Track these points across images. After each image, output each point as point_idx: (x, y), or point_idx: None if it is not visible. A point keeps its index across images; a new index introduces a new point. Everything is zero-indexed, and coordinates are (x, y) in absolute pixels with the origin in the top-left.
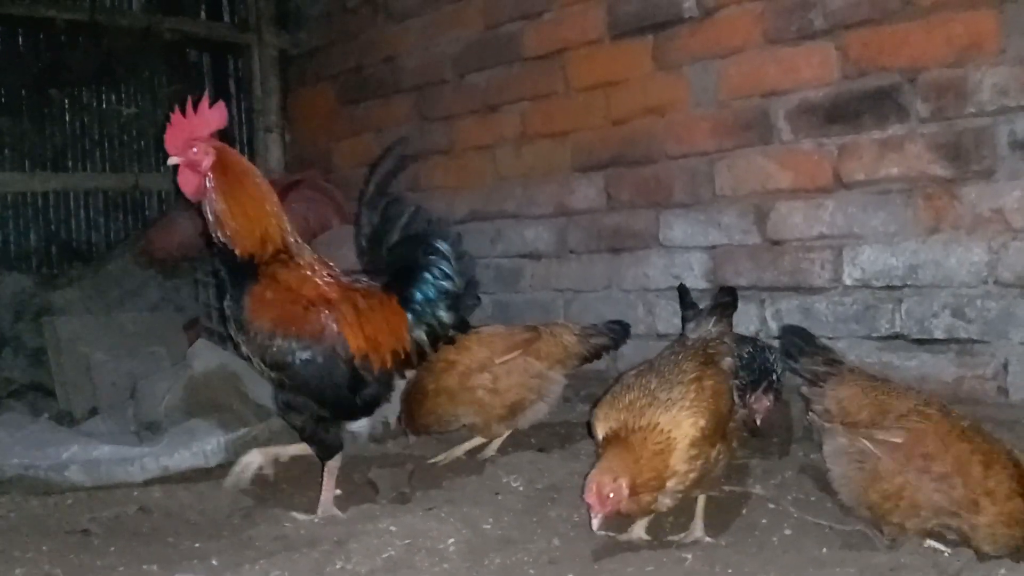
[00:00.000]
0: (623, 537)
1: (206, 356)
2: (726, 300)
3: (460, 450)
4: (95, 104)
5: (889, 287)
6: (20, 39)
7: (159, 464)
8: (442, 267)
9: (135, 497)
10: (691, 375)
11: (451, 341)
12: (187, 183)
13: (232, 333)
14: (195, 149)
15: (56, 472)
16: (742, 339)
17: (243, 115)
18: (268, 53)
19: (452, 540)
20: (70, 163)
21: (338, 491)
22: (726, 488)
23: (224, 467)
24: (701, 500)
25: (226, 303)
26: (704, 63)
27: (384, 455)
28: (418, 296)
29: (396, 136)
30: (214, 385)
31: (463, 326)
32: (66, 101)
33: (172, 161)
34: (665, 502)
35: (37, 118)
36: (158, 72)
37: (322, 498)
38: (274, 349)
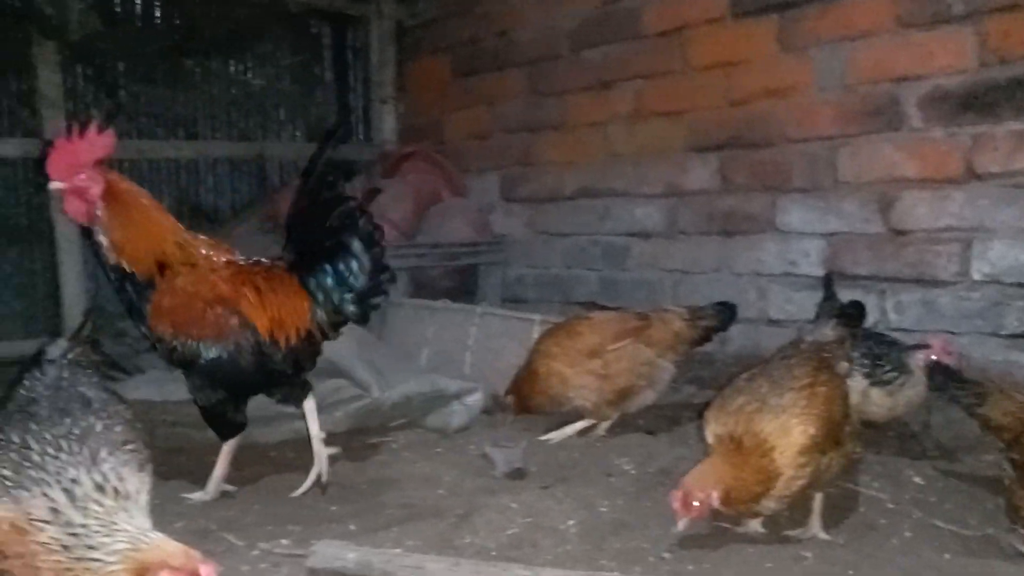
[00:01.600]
0: (740, 529)
1: None
2: (851, 312)
3: (571, 429)
4: (224, 74)
5: (1020, 284)
6: (157, 9)
7: (292, 427)
8: (349, 263)
9: (271, 457)
10: (803, 381)
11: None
12: (75, 210)
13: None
14: (82, 175)
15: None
16: (867, 335)
17: (359, 86)
18: (385, 24)
19: (571, 521)
20: (200, 131)
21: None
22: (842, 485)
23: (350, 434)
24: (819, 498)
25: (132, 317)
26: (831, 46)
27: (496, 430)
28: (318, 283)
29: (509, 109)
30: (339, 353)
31: (365, 318)
32: (198, 71)
33: (55, 186)
34: (770, 506)
35: (171, 87)
36: (282, 43)
37: (215, 474)
38: (180, 352)
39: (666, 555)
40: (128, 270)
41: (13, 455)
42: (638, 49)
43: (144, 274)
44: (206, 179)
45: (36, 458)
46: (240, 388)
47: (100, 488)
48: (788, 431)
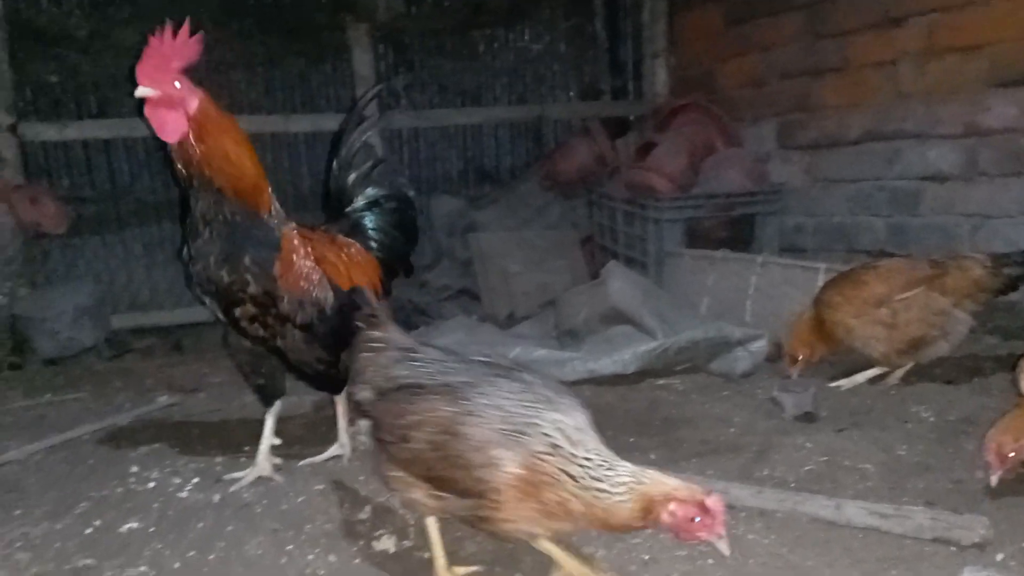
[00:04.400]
0: None
1: (620, 275)
2: None
3: (862, 377)
4: (506, 42)
5: None
6: None
7: (586, 367)
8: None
9: None
10: None
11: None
12: (163, 122)
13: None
14: (177, 84)
15: None
16: None
17: (631, 42)
18: None
19: (869, 462)
20: (484, 98)
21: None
22: None
23: (637, 375)
24: None
25: (246, 260)
26: None
27: (782, 376)
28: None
29: (785, 54)
30: (627, 301)
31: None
32: (483, 42)
33: (145, 93)
34: None
35: (460, 58)
36: (558, 7)
37: (339, 424)
38: (310, 302)
39: None
40: (227, 194)
41: (494, 411)
42: None
43: (252, 206)
44: (489, 142)
45: (514, 408)
46: (336, 344)
47: (579, 428)
48: None
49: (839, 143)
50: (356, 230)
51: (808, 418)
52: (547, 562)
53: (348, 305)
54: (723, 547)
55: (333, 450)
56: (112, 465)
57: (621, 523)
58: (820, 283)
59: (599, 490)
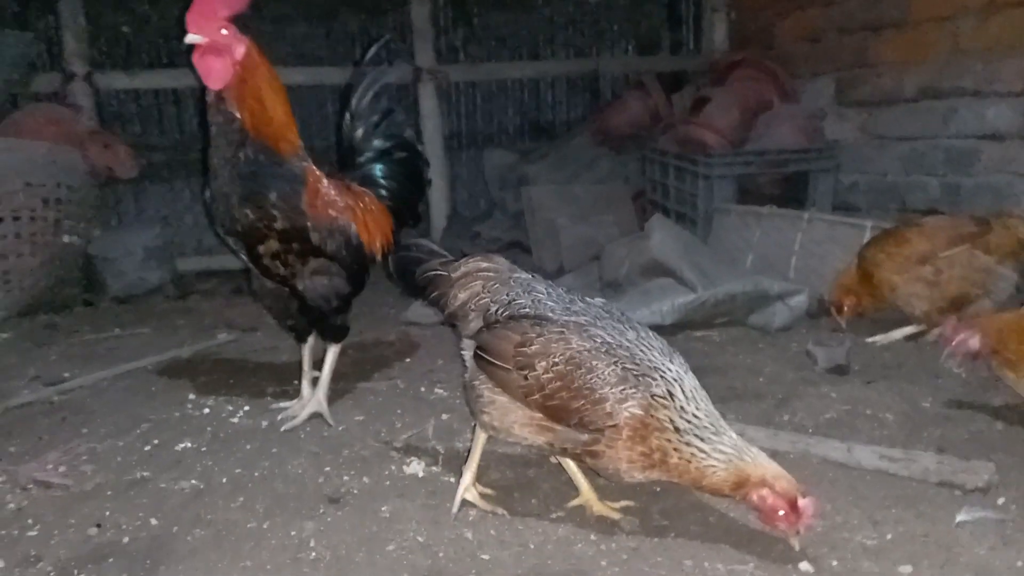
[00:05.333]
0: None
1: (662, 228)
2: None
3: (899, 333)
4: None
5: None
6: None
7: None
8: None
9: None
10: None
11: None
12: (210, 68)
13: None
14: (225, 32)
15: None
16: None
17: None
18: None
19: (891, 413)
20: (542, 52)
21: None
22: None
23: (675, 327)
24: None
25: (272, 197)
26: None
27: (817, 330)
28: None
29: (845, 8)
30: (667, 254)
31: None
32: None
33: (194, 39)
34: None
35: (516, 12)
36: None
37: (325, 378)
38: (336, 232)
39: None
40: (267, 144)
41: (623, 351)
42: None
43: (284, 150)
44: (545, 96)
45: (638, 352)
46: (358, 277)
47: (695, 387)
48: None
49: (895, 100)
50: (367, 181)
51: (840, 371)
52: (564, 490)
53: (410, 258)
54: (795, 543)
55: (311, 407)
56: (171, 392)
57: (711, 487)
58: (866, 241)
59: (699, 449)
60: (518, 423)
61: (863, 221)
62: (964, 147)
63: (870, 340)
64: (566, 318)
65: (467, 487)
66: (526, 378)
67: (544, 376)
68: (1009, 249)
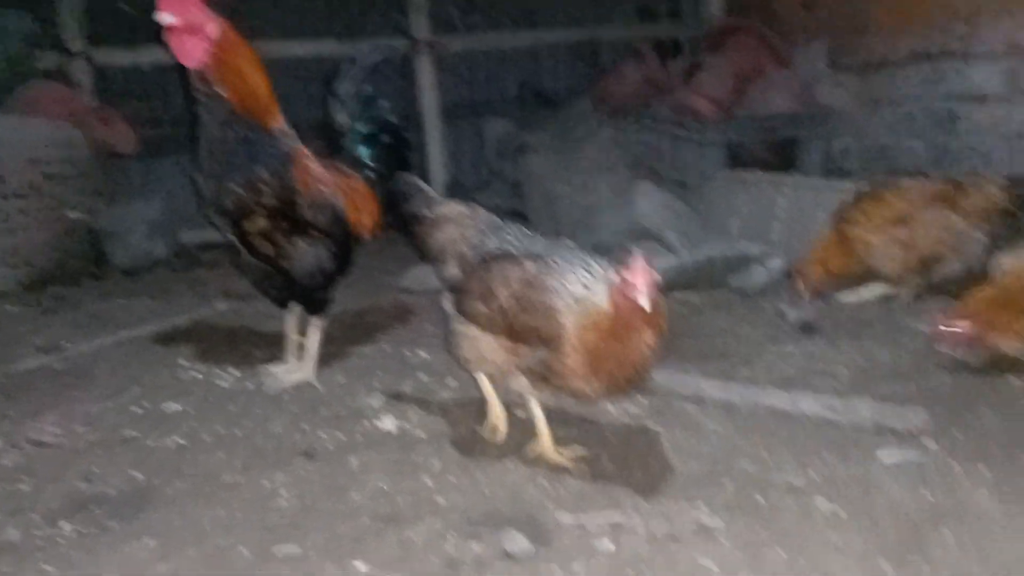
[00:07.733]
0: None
1: (646, 195)
2: None
3: (869, 293)
4: None
5: None
6: None
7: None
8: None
9: None
10: None
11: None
12: (184, 48)
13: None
14: (195, 11)
15: None
16: None
17: None
18: None
19: (847, 368)
20: (540, 20)
21: None
22: None
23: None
24: None
25: (261, 172)
26: None
27: (789, 291)
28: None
29: None
30: (652, 220)
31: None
32: None
33: (166, 20)
34: None
35: None
36: None
37: (311, 353)
38: (327, 210)
39: None
40: (251, 120)
41: (570, 272)
42: None
43: (252, 122)
44: (545, 64)
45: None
46: (344, 252)
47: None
48: None
49: (887, 64)
50: (353, 164)
51: (808, 329)
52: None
53: (398, 192)
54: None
55: (298, 375)
56: (166, 358)
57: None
58: None
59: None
60: (491, 349)
61: (844, 184)
62: (948, 109)
63: (842, 299)
64: (527, 251)
65: (550, 448)
66: (491, 307)
67: (505, 302)
68: (980, 211)
